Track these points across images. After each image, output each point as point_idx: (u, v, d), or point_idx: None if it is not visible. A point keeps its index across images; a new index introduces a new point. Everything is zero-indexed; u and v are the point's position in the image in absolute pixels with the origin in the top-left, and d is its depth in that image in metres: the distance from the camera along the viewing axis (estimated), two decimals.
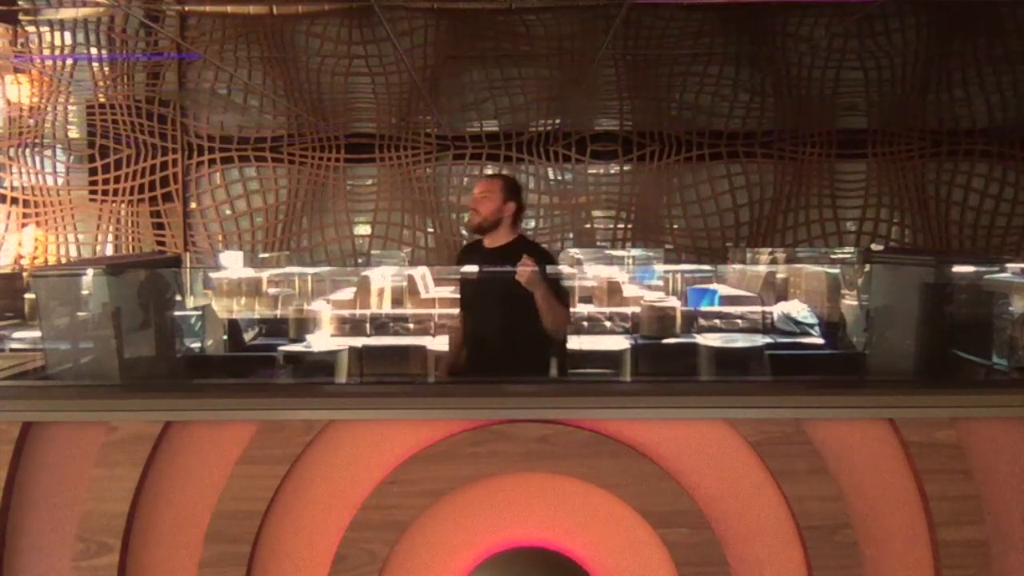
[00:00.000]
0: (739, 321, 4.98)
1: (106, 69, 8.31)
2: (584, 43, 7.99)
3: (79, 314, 2.38)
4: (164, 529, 1.98)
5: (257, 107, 8.46)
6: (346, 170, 8.44)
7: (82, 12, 7.93)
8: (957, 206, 8.32)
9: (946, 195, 8.33)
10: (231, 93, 8.42)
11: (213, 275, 5.19)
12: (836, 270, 4.64)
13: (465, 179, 8.42)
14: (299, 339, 4.82)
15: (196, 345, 3.16)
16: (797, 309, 4.68)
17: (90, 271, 2.38)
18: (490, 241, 3.22)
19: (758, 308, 5.14)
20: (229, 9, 7.63)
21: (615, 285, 5.76)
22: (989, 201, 8.28)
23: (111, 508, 1.95)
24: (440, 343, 4.78)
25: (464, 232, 8.49)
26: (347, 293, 5.96)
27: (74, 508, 1.96)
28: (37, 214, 8.35)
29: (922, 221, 8.33)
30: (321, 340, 4.85)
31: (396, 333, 5.35)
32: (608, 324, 5.16)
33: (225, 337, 3.62)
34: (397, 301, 5.91)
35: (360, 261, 8.34)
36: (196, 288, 4.64)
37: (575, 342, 4.50)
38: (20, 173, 8.32)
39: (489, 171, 8.48)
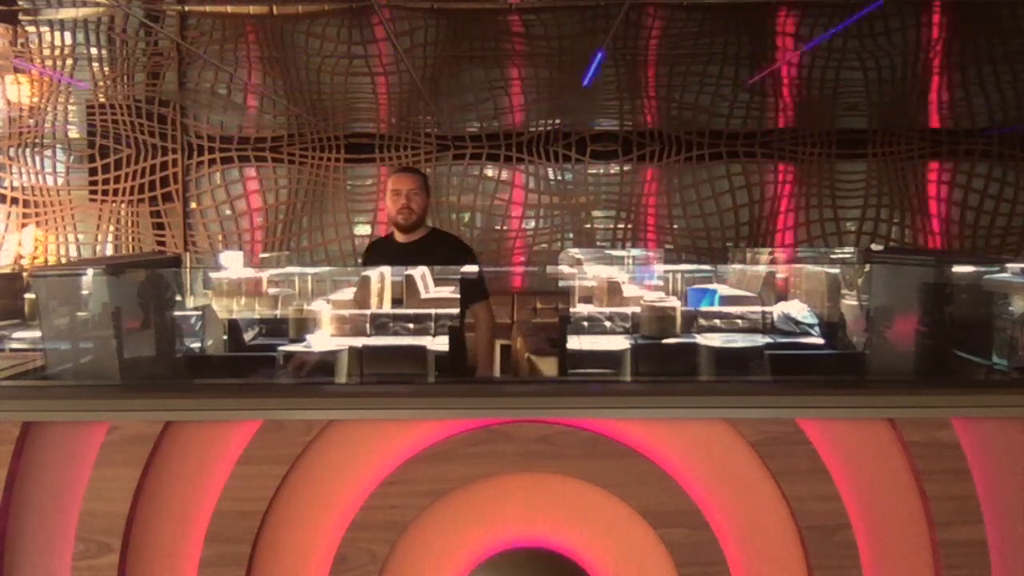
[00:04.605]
0: (739, 321, 4.97)
1: (106, 69, 8.31)
2: (584, 43, 7.99)
3: (79, 314, 2.38)
4: (164, 529, 1.98)
5: (257, 107, 8.45)
6: (346, 170, 8.44)
7: (82, 12, 7.93)
8: (957, 206, 8.32)
9: (946, 195, 8.33)
10: (231, 93, 8.41)
11: (213, 275, 5.17)
12: (836, 270, 4.63)
13: (465, 179, 8.42)
14: (299, 339, 4.80)
15: (196, 345, 3.16)
16: (797, 309, 4.67)
17: (90, 271, 2.38)
18: (404, 236, 3.14)
19: (758, 308, 5.13)
20: (229, 9, 7.63)
21: (615, 285, 5.76)
22: (989, 201, 8.28)
23: (111, 508, 1.95)
24: (440, 343, 4.77)
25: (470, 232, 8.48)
26: (347, 293, 5.95)
27: (74, 508, 1.96)
28: (37, 214, 8.35)
29: (922, 221, 8.33)
30: (321, 340, 4.84)
31: (396, 333, 5.34)
32: (608, 324, 5.15)
33: (225, 337, 3.61)
34: (397, 301, 5.90)
35: (360, 261, 8.32)
36: (196, 288, 4.62)
37: (575, 342, 4.49)
38: (20, 173, 8.32)
39: (489, 171, 8.47)
